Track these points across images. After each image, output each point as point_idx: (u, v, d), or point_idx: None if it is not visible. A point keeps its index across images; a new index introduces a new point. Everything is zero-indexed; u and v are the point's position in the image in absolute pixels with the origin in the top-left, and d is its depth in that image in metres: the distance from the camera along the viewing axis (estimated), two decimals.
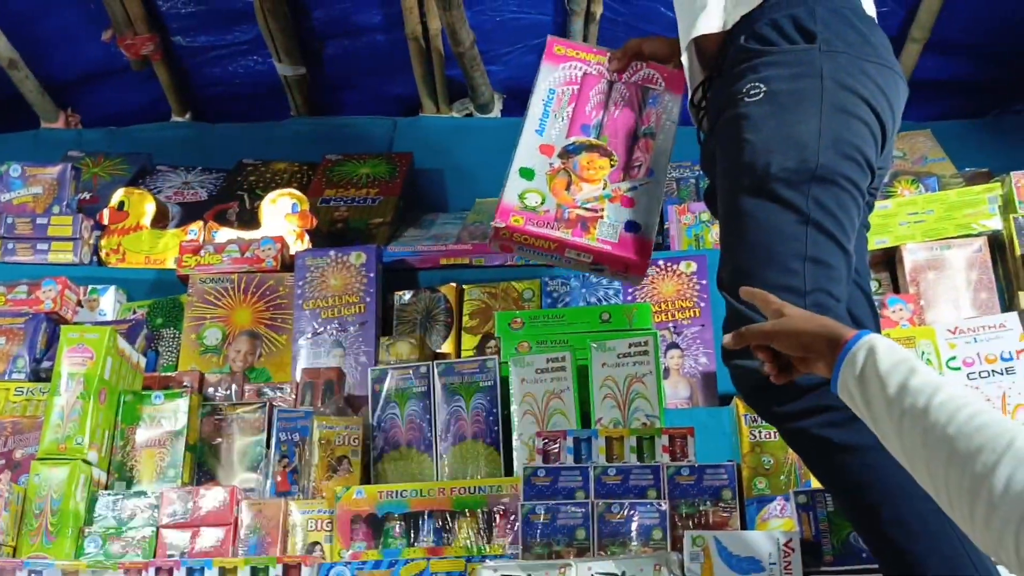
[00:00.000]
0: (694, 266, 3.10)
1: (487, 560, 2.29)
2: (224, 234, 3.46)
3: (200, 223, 3.50)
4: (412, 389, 2.77)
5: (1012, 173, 3.06)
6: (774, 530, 2.21)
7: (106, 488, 2.65)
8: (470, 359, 2.89)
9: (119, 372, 2.74)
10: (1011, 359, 2.58)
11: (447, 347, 3.16)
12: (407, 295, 3.26)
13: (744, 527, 2.31)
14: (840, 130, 1.88)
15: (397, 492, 2.52)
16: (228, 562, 2.40)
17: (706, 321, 3.05)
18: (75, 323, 3.13)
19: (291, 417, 2.74)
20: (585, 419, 2.70)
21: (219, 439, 2.76)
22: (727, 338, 1.68)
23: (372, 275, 3.18)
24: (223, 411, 2.79)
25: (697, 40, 2.11)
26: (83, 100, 4.36)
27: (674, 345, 3.01)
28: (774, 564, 2.07)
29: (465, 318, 3.21)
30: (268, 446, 2.73)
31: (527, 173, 2.27)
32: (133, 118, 4.31)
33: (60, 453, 2.56)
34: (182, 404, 2.75)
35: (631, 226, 2.20)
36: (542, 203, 2.22)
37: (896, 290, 3.03)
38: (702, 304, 3.05)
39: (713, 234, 3.32)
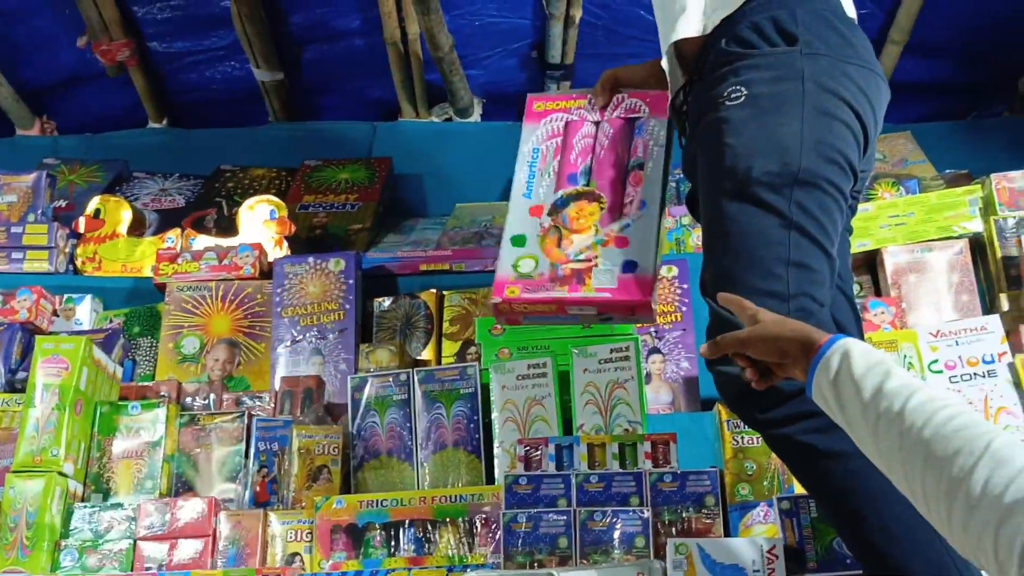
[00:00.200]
0: (675, 270, 3.08)
1: (468, 569, 2.27)
2: (202, 241, 3.43)
3: (177, 230, 3.47)
4: (392, 397, 2.75)
5: (992, 175, 3.05)
6: (757, 537, 2.20)
7: (82, 500, 2.62)
8: (450, 366, 2.86)
9: (95, 382, 2.71)
10: (993, 362, 2.58)
11: (427, 354, 3.14)
12: (387, 302, 3.24)
13: (727, 534, 2.30)
14: (822, 133, 1.87)
15: (377, 501, 2.50)
16: (206, 574, 2.38)
17: (688, 326, 3.03)
18: (51, 333, 3.10)
19: (270, 426, 2.72)
20: (567, 425, 2.69)
21: (197, 449, 2.73)
22: (704, 348, 1.69)
23: (351, 282, 3.16)
24: (201, 421, 2.76)
25: (677, 44, 2.09)
26: (58, 107, 4.31)
27: (656, 350, 2.99)
28: (758, 571, 2.06)
29: (445, 324, 3.19)
30: (247, 456, 2.71)
31: (519, 240, 2.17)
32: (109, 125, 4.26)
33: (35, 465, 2.53)
34: (159, 414, 2.72)
35: (628, 266, 2.07)
36: (536, 267, 2.11)
37: (877, 293, 3.03)
38: (684, 308, 3.03)
39: (694, 238, 3.30)
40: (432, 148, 4.08)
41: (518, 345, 2.95)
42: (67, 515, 2.54)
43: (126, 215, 3.53)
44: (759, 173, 1.84)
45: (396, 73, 4.01)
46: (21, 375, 2.96)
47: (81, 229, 3.50)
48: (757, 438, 2.46)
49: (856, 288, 2.83)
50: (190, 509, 2.54)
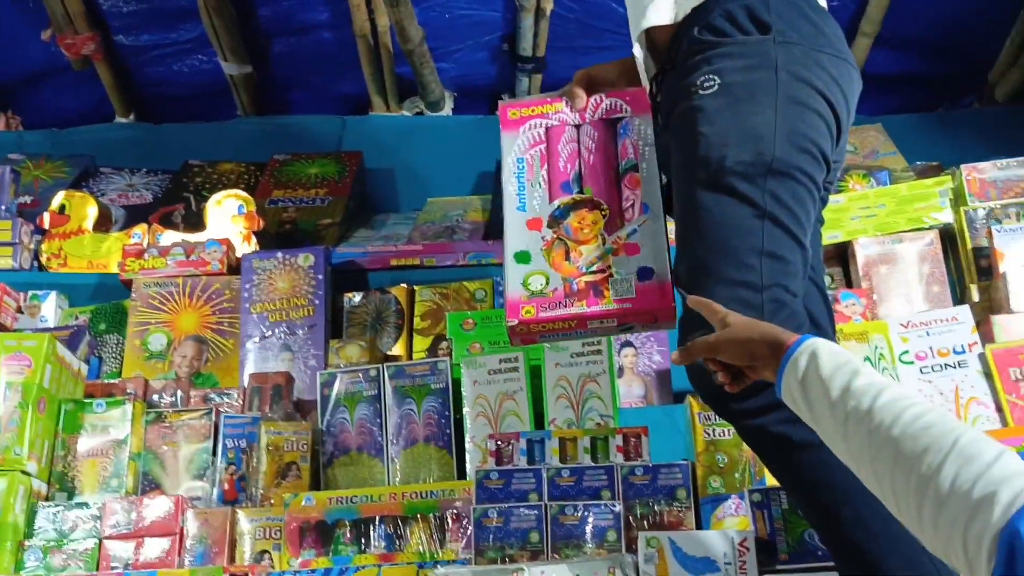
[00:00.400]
0: None
1: (439, 566, 2.25)
2: (169, 237, 3.39)
3: (144, 226, 3.43)
4: (362, 393, 2.73)
5: (962, 166, 3.06)
6: (729, 529, 2.19)
7: (46, 499, 2.58)
8: (421, 361, 2.84)
9: (59, 380, 2.67)
10: (963, 352, 2.57)
11: (398, 349, 3.12)
12: (357, 297, 3.21)
13: (699, 526, 2.29)
14: (795, 123, 1.86)
15: (347, 498, 2.47)
16: (174, 573, 2.36)
17: None
18: (15, 330, 3.07)
19: (238, 423, 2.69)
20: (539, 420, 2.67)
21: (164, 447, 2.70)
22: (674, 355, 1.69)
23: (321, 277, 3.13)
24: (168, 418, 2.73)
25: (649, 33, 2.07)
26: (24, 101, 4.26)
27: (628, 344, 2.98)
28: (729, 564, 2.05)
29: (416, 319, 3.17)
30: (215, 453, 2.68)
31: (523, 257, 2.09)
32: (75, 119, 4.21)
33: None
34: (125, 412, 2.68)
35: (644, 273, 2.01)
36: (547, 283, 2.04)
37: (848, 285, 3.03)
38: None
39: (668, 231, 3.29)
40: (403, 142, 4.04)
41: (489, 340, 2.94)
42: (31, 515, 2.50)
43: (92, 211, 3.49)
44: (733, 162, 1.82)
45: (366, 66, 3.98)
46: None
47: (46, 225, 3.45)
48: (729, 430, 2.45)
49: (827, 280, 2.83)
50: (157, 507, 2.51)
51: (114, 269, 3.32)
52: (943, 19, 3.81)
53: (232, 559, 2.47)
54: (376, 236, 3.58)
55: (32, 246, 3.44)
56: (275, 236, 3.54)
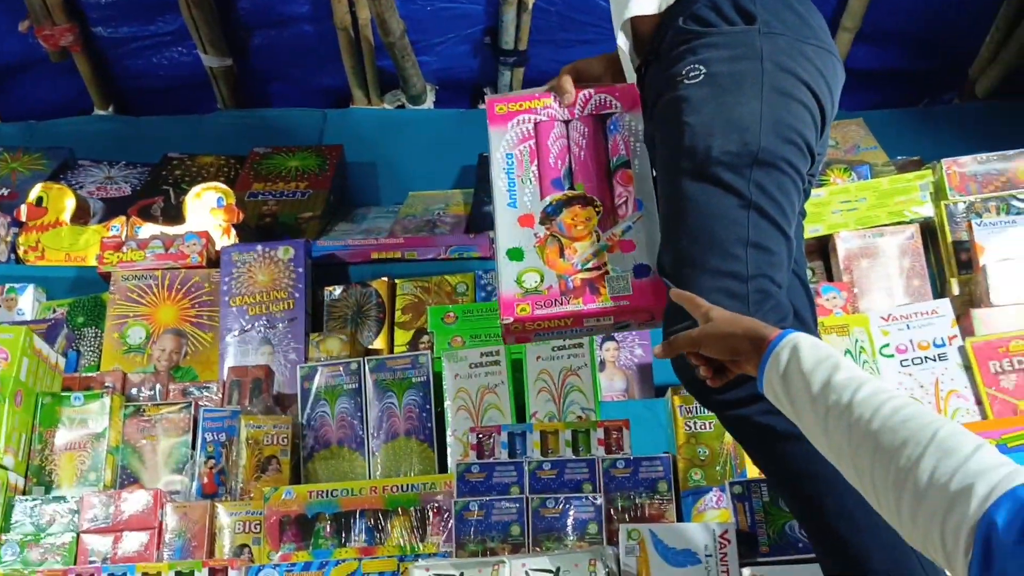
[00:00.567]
0: None
1: (420, 559, 2.24)
2: (147, 230, 3.36)
3: (123, 218, 3.40)
4: (343, 386, 2.71)
5: (943, 160, 3.07)
6: (710, 521, 2.19)
7: (23, 493, 2.57)
8: (402, 355, 2.83)
9: (36, 373, 2.65)
10: (943, 345, 2.58)
11: (379, 343, 3.11)
12: (337, 290, 3.20)
13: (680, 519, 2.29)
14: (781, 113, 1.85)
15: (327, 492, 2.46)
16: (152, 567, 2.34)
17: None
18: None
19: (217, 417, 2.68)
20: (520, 413, 2.67)
21: (143, 441, 2.68)
22: (657, 349, 1.69)
23: (301, 270, 3.11)
24: (147, 412, 2.71)
25: (632, 23, 2.06)
26: (1, 93, 4.21)
27: (610, 337, 2.97)
28: (710, 556, 2.05)
29: (397, 313, 3.15)
30: (194, 447, 2.66)
31: (515, 254, 2.07)
32: (53, 112, 4.17)
33: None
34: (103, 405, 2.66)
35: (640, 271, 2.00)
36: (542, 281, 2.01)
37: (829, 278, 3.03)
38: None
39: None
40: (384, 135, 4.03)
41: (471, 333, 2.93)
42: (7, 509, 2.48)
43: (69, 203, 3.47)
44: (718, 152, 1.82)
45: (347, 59, 3.96)
46: None
47: (23, 217, 3.42)
48: (710, 423, 2.45)
49: (808, 273, 2.83)
50: (135, 501, 2.49)
51: (92, 262, 3.29)
52: (924, 15, 3.81)
53: (211, 553, 2.45)
54: (357, 229, 3.56)
55: (9, 239, 3.41)
56: (255, 229, 3.52)
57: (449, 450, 2.63)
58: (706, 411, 2.47)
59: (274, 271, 3.11)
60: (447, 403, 2.68)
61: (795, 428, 1.66)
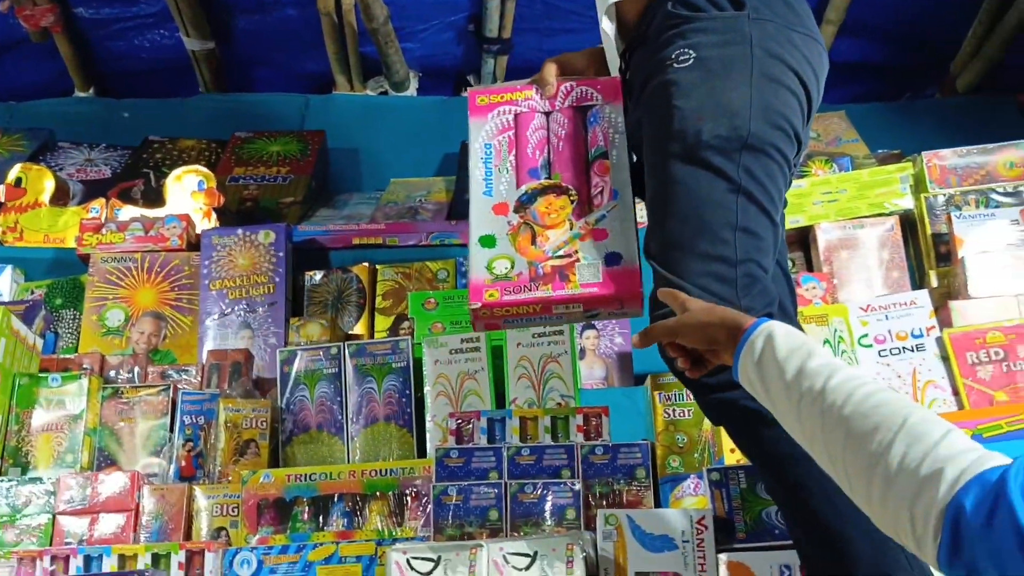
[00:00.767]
0: None
1: (397, 543, 2.24)
2: (127, 212, 3.34)
3: (102, 200, 3.38)
4: (322, 371, 2.71)
5: (923, 153, 3.08)
6: (687, 508, 2.19)
7: None
8: (382, 340, 2.83)
9: (13, 354, 2.63)
10: (921, 336, 2.60)
11: (360, 328, 3.10)
12: (318, 275, 3.19)
13: (658, 505, 2.30)
14: (770, 99, 1.86)
15: (306, 476, 2.45)
16: (128, 549, 2.33)
17: None
18: None
19: (196, 400, 2.67)
20: (500, 400, 2.67)
21: (121, 423, 2.67)
22: (635, 339, 1.70)
23: (281, 254, 3.10)
24: (125, 394, 2.69)
25: (617, 8, 2.06)
26: None
27: (590, 326, 2.98)
28: (687, 541, 2.06)
29: (378, 299, 3.15)
30: (172, 430, 2.65)
31: (488, 241, 2.05)
32: (34, 93, 4.14)
33: None
34: (81, 387, 2.65)
35: (611, 259, 1.97)
36: (512, 267, 1.99)
37: (810, 269, 3.04)
38: None
39: (637, 218, 3.29)
40: (366, 122, 4.01)
41: (451, 320, 2.93)
42: None
43: (49, 184, 3.44)
44: (709, 136, 1.82)
45: (330, 45, 3.94)
46: None
47: (2, 198, 3.40)
48: (689, 410, 2.46)
49: (789, 263, 2.84)
50: (112, 483, 2.48)
51: (71, 243, 3.27)
52: (907, 9, 3.83)
53: (188, 536, 2.45)
54: (338, 215, 3.55)
55: None
56: (236, 214, 3.50)
57: (428, 435, 2.63)
58: (685, 399, 2.48)
59: (255, 255, 3.10)
60: (427, 389, 2.68)
61: None
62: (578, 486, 2.26)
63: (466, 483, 2.28)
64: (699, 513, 2.09)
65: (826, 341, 2.60)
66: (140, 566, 2.27)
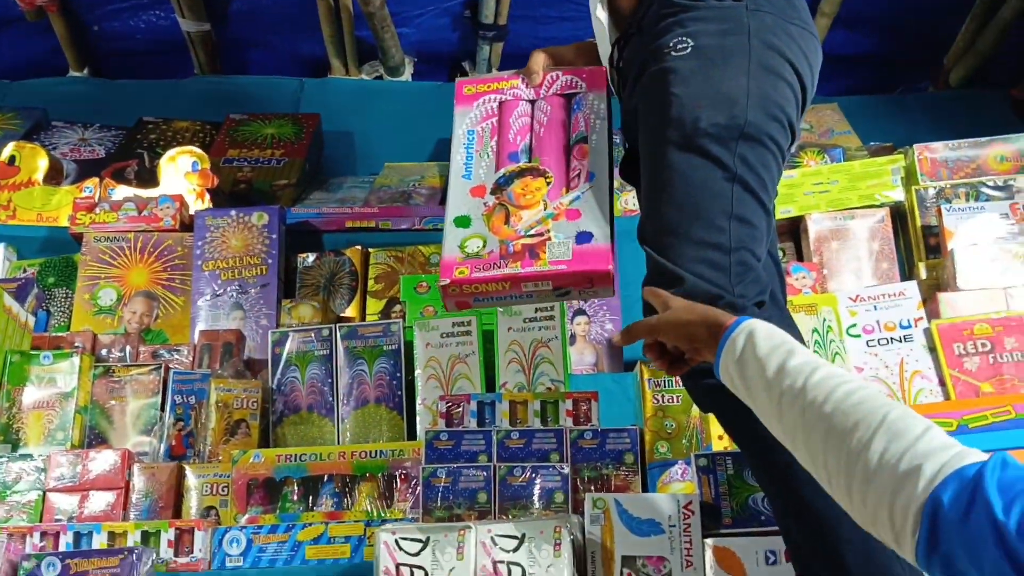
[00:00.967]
0: None
1: (386, 524, 2.25)
2: (121, 192, 3.34)
3: (96, 180, 3.38)
4: (314, 352, 2.72)
5: (915, 145, 3.10)
6: (675, 493, 2.21)
7: None
8: (374, 323, 2.84)
9: (5, 331, 2.64)
10: (909, 327, 2.62)
11: (351, 311, 3.11)
12: (311, 258, 3.19)
13: (645, 491, 2.31)
14: (767, 89, 1.87)
15: (296, 456, 2.47)
16: (118, 526, 2.34)
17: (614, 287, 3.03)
18: None
19: (187, 379, 2.67)
20: (490, 384, 2.68)
21: (112, 401, 2.68)
22: (616, 337, 1.73)
23: (275, 236, 3.11)
24: (116, 373, 2.70)
25: None
26: None
27: (581, 311, 2.99)
28: (674, 526, 2.07)
29: (370, 282, 3.16)
30: (163, 409, 2.66)
31: (462, 221, 2.05)
32: (28, 71, 4.12)
33: None
34: (73, 364, 2.66)
35: (583, 237, 1.96)
36: (484, 246, 1.99)
37: (800, 259, 3.06)
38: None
39: (622, 202, 3.30)
40: (361, 106, 4.01)
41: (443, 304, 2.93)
42: None
43: (42, 163, 3.44)
44: (706, 124, 1.83)
45: (326, 28, 3.94)
46: None
47: None
48: (678, 396, 2.47)
49: (779, 253, 2.86)
50: (103, 461, 2.49)
51: (64, 222, 3.27)
52: (901, 3, 3.84)
53: (178, 514, 2.46)
54: (332, 198, 3.55)
55: None
56: (230, 195, 3.50)
57: (418, 418, 2.64)
58: (674, 385, 2.49)
59: (248, 237, 3.10)
60: (417, 372, 2.69)
61: None
62: (567, 470, 2.28)
63: (455, 465, 2.30)
64: (686, 498, 2.11)
65: (815, 330, 2.62)
66: (130, 543, 2.28)
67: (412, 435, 2.62)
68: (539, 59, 2.22)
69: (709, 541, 2.06)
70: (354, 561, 2.26)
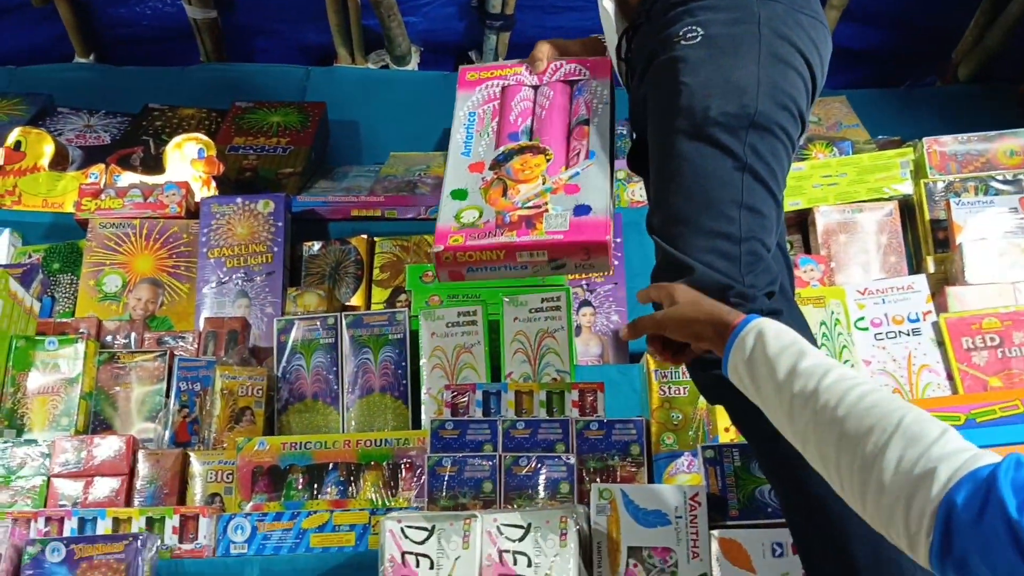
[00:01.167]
0: None
1: (391, 512, 2.24)
2: (127, 178, 3.33)
3: (102, 166, 3.37)
4: (319, 340, 2.71)
5: (924, 139, 3.09)
6: (681, 484, 2.20)
7: None
8: (379, 311, 2.83)
9: (10, 316, 2.63)
10: (917, 320, 2.61)
11: (357, 300, 3.10)
12: (316, 246, 3.19)
13: (652, 482, 2.30)
14: (777, 79, 1.86)
15: (301, 444, 2.46)
16: (122, 512, 2.33)
17: (619, 279, 3.03)
18: None
19: (193, 366, 2.67)
20: (495, 374, 2.68)
21: (116, 388, 2.67)
22: (623, 331, 1.72)
23: (280, 224, 3.10)
24: (121, 359, 2.70)
25: None
26: None
27: (587, 303, 2.99)
28: (680, 517, 2.06)
29: (376, 271, 3.15)
30: (168, 395, 2.65)
31: (459, 194, 2.04)
32: (34, 58, 4.12)
33: None
34: (77, 350, 2.65)
35: (581, 210, 1.95)
36: (480, 216, 1.98)
37: (808, 251, 3.05)
38: (615, 263, 3.02)
39: (629, 192, 3.30)
40: (367, 95, 4.00)
41: (449, 293, 2.93)
42: None
43: (48, 149, 3.43)
44: (717, 113, 1.81)
45: (332, 16, 3.93)
46: None
47: (0, 161, 3.38)
48: (684, 388, 2.47)
49: (788, 245, 2.85)
50: (107, 447, 2.48)
51: (70, 208, 3.26)
52: None
53: (183, 501, 2.45)
54: (337, 187, 3.54)
55: None
56: (235, 183, 3.50)
57: (423, 408, 2.64)
58: (681, 376, 2.49)
59: (253, 224, 3.10)
60: (423, 361, 2.68)
61: None
62: (572, 460, 2.27)
63: (461, 455, 2.29)
64: (693, 490, 2.10)
65: (823, 323, 2.61)
66: (135, 529, 2.27)
67: (416, 424, 2.62)
68: (544, 49, 2.22)
69: (715, 533, 2.06)
70: (358, 549, 2.25)
